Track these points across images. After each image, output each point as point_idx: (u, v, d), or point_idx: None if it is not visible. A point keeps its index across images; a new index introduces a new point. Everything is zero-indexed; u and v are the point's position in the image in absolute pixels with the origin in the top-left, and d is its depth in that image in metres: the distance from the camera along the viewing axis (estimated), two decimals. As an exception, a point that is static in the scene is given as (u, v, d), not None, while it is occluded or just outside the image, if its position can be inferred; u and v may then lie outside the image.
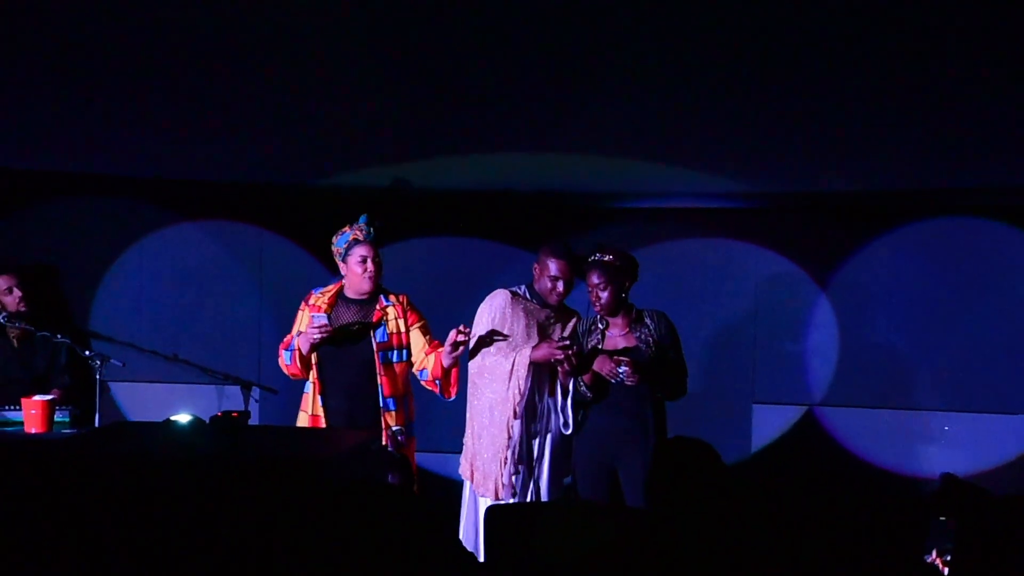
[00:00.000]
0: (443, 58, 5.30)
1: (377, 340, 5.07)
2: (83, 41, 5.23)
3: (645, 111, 5.65)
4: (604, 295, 4.99)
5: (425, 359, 5.10)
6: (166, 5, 5.03)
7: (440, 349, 5.02)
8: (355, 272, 5.11)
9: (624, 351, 5.00)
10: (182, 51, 5.31)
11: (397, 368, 5.11)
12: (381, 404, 5.03)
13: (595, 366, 4.95)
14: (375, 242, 5.12)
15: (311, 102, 5.74)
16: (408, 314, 5.15)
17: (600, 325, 5.10)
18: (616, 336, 5.07)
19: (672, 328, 5.09)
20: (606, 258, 5.02)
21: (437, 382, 5.08)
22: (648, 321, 5.06)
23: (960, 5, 4.70)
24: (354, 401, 5.05)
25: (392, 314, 5.11)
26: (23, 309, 5.82)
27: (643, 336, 5.02)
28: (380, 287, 5.17)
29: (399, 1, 4.93)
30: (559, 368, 4.98)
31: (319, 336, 4.99)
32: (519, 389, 5.00)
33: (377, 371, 5.04)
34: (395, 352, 5.09)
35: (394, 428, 5.02)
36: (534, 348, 4.98)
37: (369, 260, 5.10)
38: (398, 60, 5.33)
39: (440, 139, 6.07)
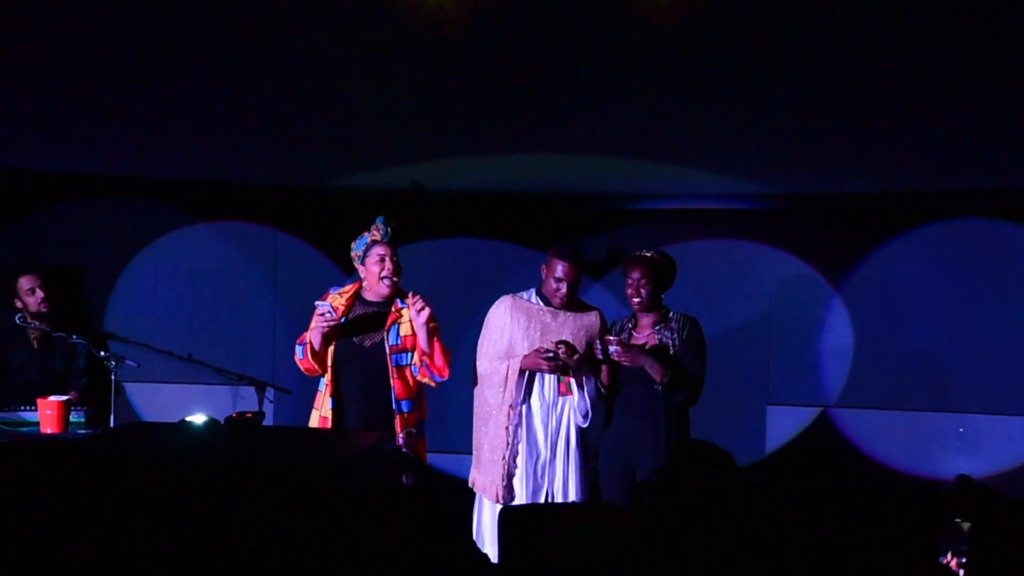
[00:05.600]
0: (457, 59, 5.30)
1: (390, 343, 5.06)
2: (101, 44, 5.25)
3: (660, 112, 5.65)
4: (644, 291, 5.02)
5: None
6: (183, 6, 5.05)
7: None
8: (373, 272, 5.11)
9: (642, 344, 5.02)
10: (199, 52, 5.32)
11: (409, 370, 5.10)
12: (395, 407, 5.03)
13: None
14: (393, 243, 5.13)
15: (325, 103, 5.75)
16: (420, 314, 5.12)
17: (629, 324, 5.11)
18: (640, 336, 5.08)
19: (694, 334, 5.05)
20: (649, 254, 5.04)
21: (425, 364, 5.02)
22: (674, 324, 5.05)
23: (983, 6, 4.68)
24: (368, 404, 5.05)
25: (407, 316, 5.09)
26: (44, 310, 5.83)
27: (664, 338, 5.02)
28: (398, 290, 5.17)
29: (412, 3, 4.94)
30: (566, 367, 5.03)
31: (325, 326, 4.98)
32: (512, 395, 5.06)
33: (390, 374, 5.04)
34: (408, 354, 5.09)
35: (408, 430, 5.01)
36: (524, 357, 5.05)
37: (387, 259, 5.10)
38: (412, 61, 5.34)
39: (454, 140, 6.07)
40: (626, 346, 4.92)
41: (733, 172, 6.26)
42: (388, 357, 5.05)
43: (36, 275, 5.89)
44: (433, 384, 5.08)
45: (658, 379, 4.92)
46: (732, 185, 6.38)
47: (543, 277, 5.17)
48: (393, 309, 5.12)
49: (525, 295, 5.23)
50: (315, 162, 6.47)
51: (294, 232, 6.77)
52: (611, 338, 4.94)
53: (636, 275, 5.03)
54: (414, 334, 5.07)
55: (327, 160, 6.44)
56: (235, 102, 5.74)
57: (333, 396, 5.08)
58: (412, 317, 5.01)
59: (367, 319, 5.12)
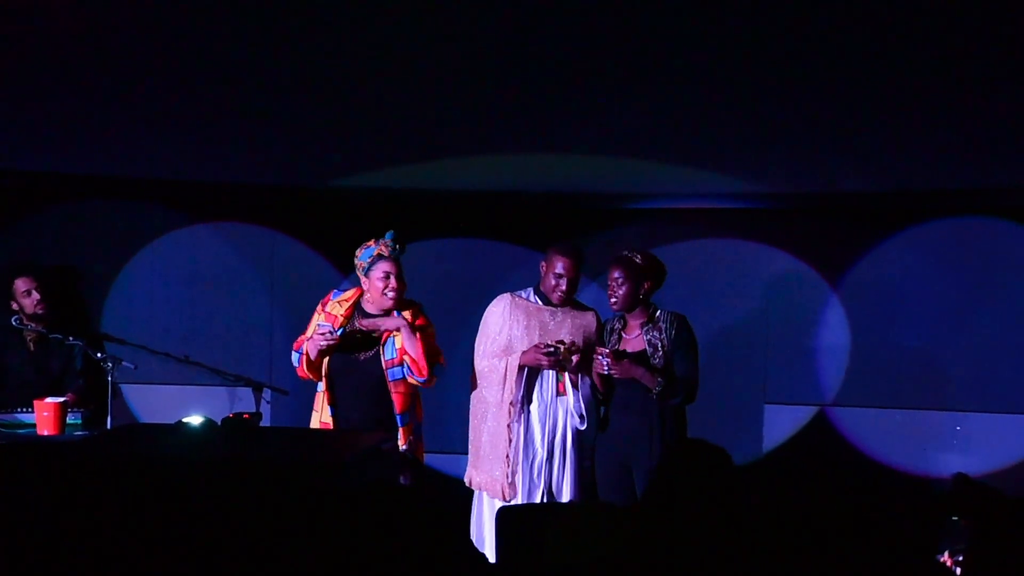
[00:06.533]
0: (453, 59, 5.30)
1: (386, 358, 5.03)
2: (98, 44, 5.25)
3: (656, 111, 5.65)
4: (620, 291, 5.01)
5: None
6: (179, 7, 5.05)
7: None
8: (376, 288, 5.06)
9: (631, 355, 5.01)
10: (196, 53, 5.32)
11: (404, 383, 5.06)
12: (398, 420, 5.00)
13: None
14: (399, 259, 5.08)
15: (322, 104, 5.75)
16: (415, 323, 5.06)
17: (618, 325, 5.12)
18: (629, 338, 5.08)
19: (683, 333, 5.05)
20: (629, 255, 5.04)
21: (406, 364, 4.99)
22: (662, 324, 5.05)
23: (978, 5, 4.69)
24: (367, 415, 5.01)
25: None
26: (40, 312, 5.83)
27: (653, 339, 5.02)
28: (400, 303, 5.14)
29: (408, 4, 4.94)
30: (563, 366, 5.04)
31: (325, 344, 4.98)
32: (512, 391, 5.06)
33: (389, 389, 5.01)
34: (404, 368, 5.04)
35: (409, 439, 4.99)
36: (524, 353, 5.05)
37: (392, 277, 5.04)
38: (408, 62, 5.34)
39: (452, 140, 6.07)
40: (616, 359, 4.92)
41: (730, 171, 6.26)
42: (385, 372, 5.02)
43: (32, 277, 5.88)
44: (417, 384, 5.05)
45: (652, 387, 4.93)
46: (729, 184, 6.38)
47: (542, 274, 5.18)
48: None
49: (523, 294, 5.23)
50: (312, 163, 6.47)
51: (291, 233, 6.76)
52: (601, 350, 4.94)
53: (614, 275, 5.04)
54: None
55: (325, 161, 6.44)
56: (232, 102, 5.74)
57: (331, 405, 5.07)
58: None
59: (364, 332, 5.09)
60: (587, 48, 5.18)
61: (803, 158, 6.12)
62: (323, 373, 5.07)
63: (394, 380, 5.02)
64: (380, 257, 5.06)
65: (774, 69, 5.20)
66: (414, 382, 5.03)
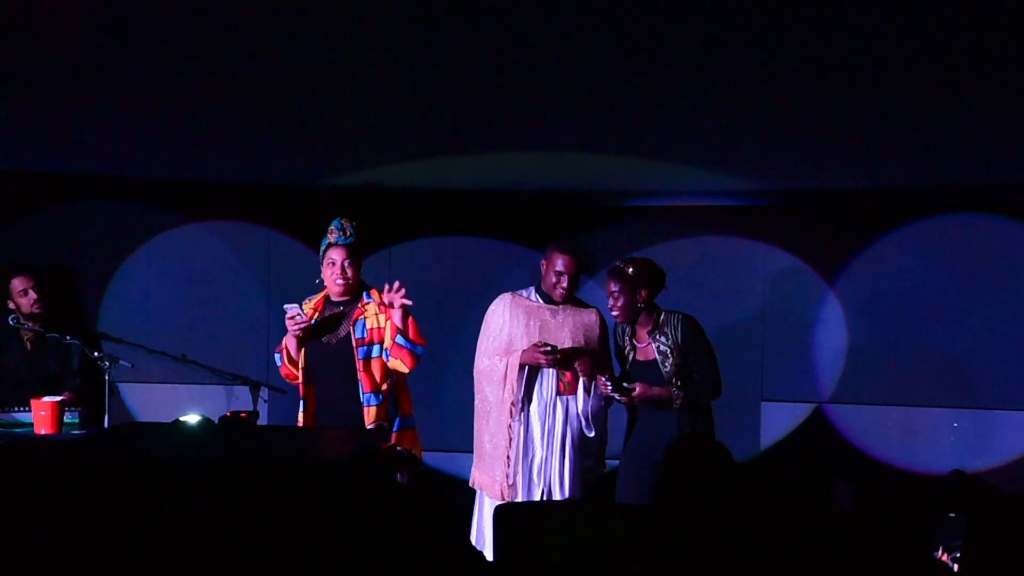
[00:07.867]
0: (448, 57, 5.30)
1: (356, 336, 5.06)
2: (93, 45, 5.24)
3: (652, 109, 5.65)
4: (618, 304, 5.01)
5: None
6: (173, 6, 5.04)
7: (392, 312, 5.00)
8: (326, 275, 5.12)
9: (642, 366, 5.01)
10: (190, 53, 5.31)
11: (377, 363, 5.06)
12: (363, 400, 5.01)
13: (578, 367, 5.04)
14: (350, 246, 5.09)
15: (318, 103, 5.74)
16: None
17: (628, 331, 5.11)
18: (642, 347, 5.08)
19: (692, 332, 5.01)
20: (623, 266, 5.03)
21: (400, 339, 4.96)
22: (667, 329, 5.03)
23: (966, 2, 4.69)
24: (338, 399, 5.05)
25: (372, 310, 5.08)
26: (37, 311, 5.83)
27: (660, 346, 5.00)
28: (363, 285, 5.16)
29: (402, 3, 4.93)
30: (579, 371, 5.04)
31: (297, 329, 5.01)
32: (512, 391, 5.06)
33: (357, 367, 5.03)
34: (375, 347, 5.06)
35: (378, 424, 5.00)
36: (523, 352, 5.05)
37: (338, 262, 5.08)
38: (403, 60, 5.33)
39: (446, 138, 6.07)
40: (631, 399, 4.94)
41: (726, 169, 6.26)
42: (355, 351, 5.04)
43: (29, 276, 5.88)
44: (407, 366, 4.99)
45: (673, 401, 4.94)
46: (725, 182, 6.39)
47: (543, 272, 5.18)
48: (359, 305, 5.12)
49: (524, 293, 5.23)
50: (308, 161, 6.47)
51: (288, 232, 6.77)
52: (607, 383, 4.94)
53: (610, 287, 5.05)
54: (379, 327, 5.05)
55: (320, 159, 6.43)
56: (227, 102, 5.73)
57: (304, 396, 5.10)
58: (388, 303, 4.99)
59: (334, 318, 5.13)
60: (583, 45, 5.17)
61: (798, 155, 6.12)
62: (300, 367, 5.11)
63: (363, 359, 5.04)
64: (329, 245, 5.12)
65: (770, 66, 5.20)
66: (402, 363, 4.99)
